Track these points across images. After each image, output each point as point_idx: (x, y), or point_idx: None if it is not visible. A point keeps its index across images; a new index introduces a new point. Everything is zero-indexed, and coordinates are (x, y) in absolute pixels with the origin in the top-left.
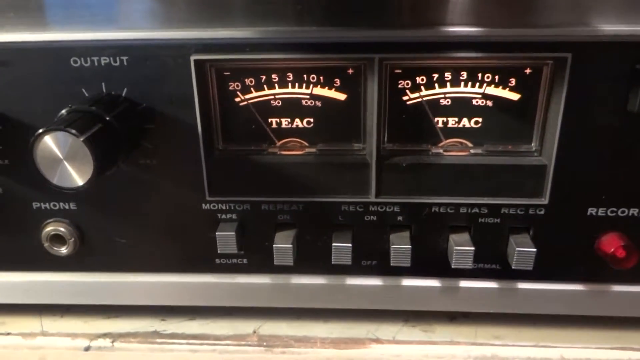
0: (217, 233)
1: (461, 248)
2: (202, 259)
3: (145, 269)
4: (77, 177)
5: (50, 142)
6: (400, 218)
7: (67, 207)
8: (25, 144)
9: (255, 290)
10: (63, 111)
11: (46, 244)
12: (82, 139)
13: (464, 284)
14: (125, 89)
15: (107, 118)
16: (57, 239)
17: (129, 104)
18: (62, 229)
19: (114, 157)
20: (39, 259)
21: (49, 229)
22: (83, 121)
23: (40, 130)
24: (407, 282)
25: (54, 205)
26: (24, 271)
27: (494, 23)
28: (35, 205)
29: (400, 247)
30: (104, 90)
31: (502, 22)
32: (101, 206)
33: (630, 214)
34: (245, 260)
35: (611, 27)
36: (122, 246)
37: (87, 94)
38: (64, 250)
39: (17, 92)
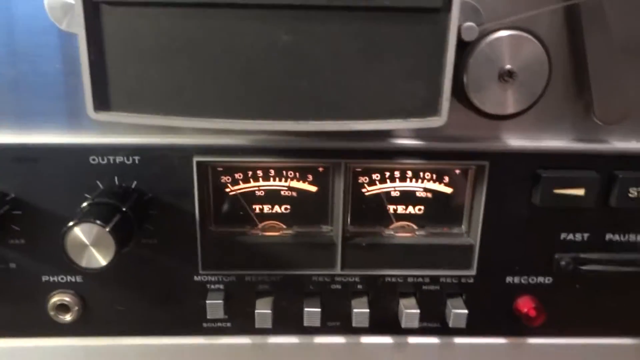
0: (207, 301)
1: (409, 311)
2: (192, 323)
3: (140, 333)
4: (100, 259)
5: (79, 232)
6: (360, 287)
7: (73, 279)
8: (41, 227)
9: (238, 349)
10: (85, 203)
11: (52, 313)
12: (107, 229)
13: (412, 340)
14: (135, 182)
15: (124, 209)
16: (62, 307)
17: (137, 195)
18: (67, 299)
19: (128, 239)
20: (42, 325)
21: (55, 299)
22: (105, 213)
23: (71, 223)
24: (366, 339)
25: (62, 279)
26: (29, 337)
27: (431, 137)
28: (44, 278)
29: (360, 310)
30: (116, 182)
31: (437, 136)
32: (105, 279)
33: (538, 281)
34: (229, 324)
35: (517, 142)
36: (121, 312)
37: (101, 186)
38: (68, 317)
39: (41, 183)
